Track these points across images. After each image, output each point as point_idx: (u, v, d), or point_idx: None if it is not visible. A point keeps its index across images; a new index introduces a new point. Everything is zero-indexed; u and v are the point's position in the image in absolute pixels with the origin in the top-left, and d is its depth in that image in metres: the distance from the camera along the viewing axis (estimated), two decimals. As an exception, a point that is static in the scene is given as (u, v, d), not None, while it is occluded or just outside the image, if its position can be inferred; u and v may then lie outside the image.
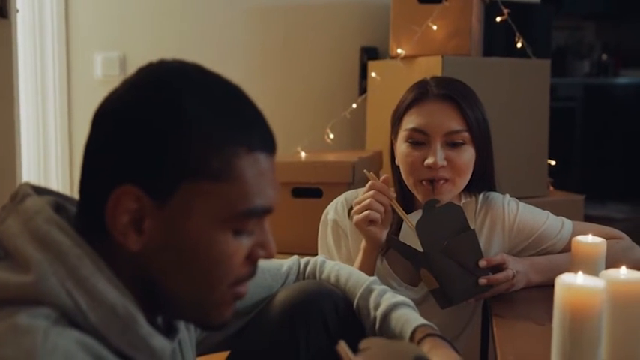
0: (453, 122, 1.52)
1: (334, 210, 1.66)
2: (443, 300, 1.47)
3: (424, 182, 1.53)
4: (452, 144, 1.53)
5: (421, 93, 1.56)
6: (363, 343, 0.96)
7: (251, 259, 0.90)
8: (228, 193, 0.84)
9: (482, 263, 1.45)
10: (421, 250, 1.46)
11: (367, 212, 1.48)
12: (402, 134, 1.56)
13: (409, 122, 1.55)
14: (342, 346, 0.92)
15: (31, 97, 2.94)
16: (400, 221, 1.56)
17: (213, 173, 0.84)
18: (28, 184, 0.92)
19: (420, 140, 1.53)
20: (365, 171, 1.57)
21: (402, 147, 1.56)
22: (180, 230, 0.84)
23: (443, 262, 1.44)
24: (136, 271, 0.86)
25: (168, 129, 0.83)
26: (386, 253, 1.57)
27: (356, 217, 1.50)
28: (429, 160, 1.51)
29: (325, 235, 1.66)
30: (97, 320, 0.82)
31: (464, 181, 1.56)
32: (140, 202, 0.83)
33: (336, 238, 1.64)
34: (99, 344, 0.81)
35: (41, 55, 2.96)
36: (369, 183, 1.52)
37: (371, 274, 1.34)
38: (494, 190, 1.65)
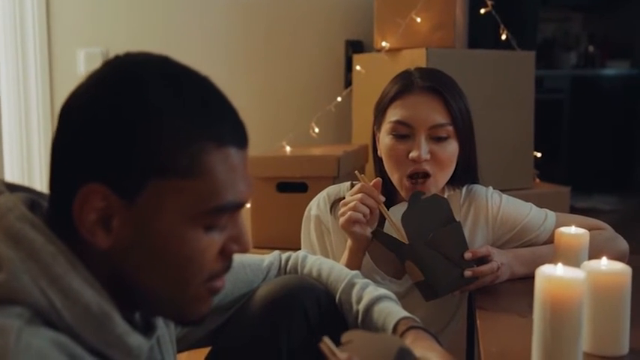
0: (438, 115, 1.51)
1: (317, 205, 1.65)
2: (428, 292, 1.46)
3: (409, 178, 1.52)
4: (436, 138, 1.52)
5: (406, 85, 1.54)
6: (345, 336, 0.95)
7: (225, 254, 0.89)
8: (197, 189, 0.83)
9: (468, 255, 1.44)
10: (406, 242, 1.45)
11: (350, 213, 1.48)
12: (386, 126, 1.55)
13: (393, 114, 1.54)
14: (326, 343, 0.90)
15: (13, 94, 2.92)
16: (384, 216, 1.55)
17: (182, 169, 0.82)
18: (0, 181, 0.90)
19: (404, 133, 1.52)
20: (356, 172, 1.56)
21: (385, 139, 1.55)
22: (149, 228, 0.83)
23: (428, 254, 1.43)
24: (108, 268, 0.85)
25: (133, 125, 0.81)
26: (369, 246, 1.56)
27: (341, 219, 1.49)
28: (413, 154, 1.50)
29: (308, 232, 1.65)
30: (71, 319, 0.81)
31: (446, 174, 1.55)
32: (107, 201, 0.81)
33: (319, 235, 1.63)
34: (74, 343, 0.80)
35: (22, 51, 2.94)
36: (358, 184, 1.51)
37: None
38: (478, 183, 1.64)
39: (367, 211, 1.48)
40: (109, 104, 0.82)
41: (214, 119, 0.85)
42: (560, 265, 0.97)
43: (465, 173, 1.61)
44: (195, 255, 0.85)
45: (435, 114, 1.51)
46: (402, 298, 1.40)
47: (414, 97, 1.53)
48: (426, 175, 1.52)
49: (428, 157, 1.50)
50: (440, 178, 1.54)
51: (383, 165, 1.58)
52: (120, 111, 0.81)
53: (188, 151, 0.82)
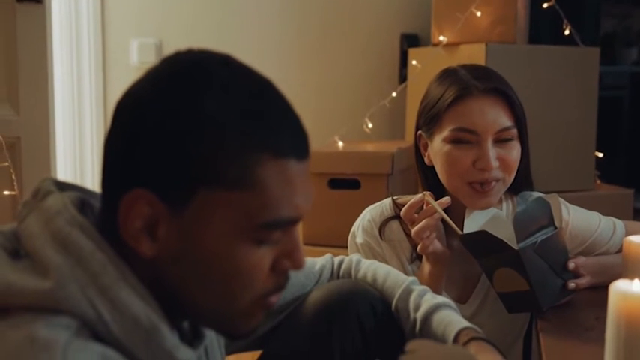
0: (504, 118, 1.41)
1: (362, 231, 1.53)
2: (519, 304, 1.33)
3: (474, 184, 1.41)
4: (501, 140, 1.41)
5: (463, 88, 1.41)
6: (410, 345, 0.91)
7: (278, 271, 0.83)
8: (248, 203, 0.78)
9: (571, 266, 1.33)
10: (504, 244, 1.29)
11: (422, 239, 1.38)
12: (445, 135, 1.42)
13: (453, 121, 1.41)
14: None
15: (66, 84, 2.94)
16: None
17: (232, 181, 0.77)
18: (50, 180, 0.87)
19: (467, 140, 1.40)
20: (426, 193, 1.43)
21: (444, 148, 1.42)
22: (196, 240, 0.78)
23: (537, 262, 1.29)
24: (154, 276, 0.81)
25: (185, 133, 0.76)
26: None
27: (419, 247, 1.39)
28: (483, 163, 1.39)
29: None
30: (120, 332, 0.77)
31: (512, 178, 1.45)
32: (153, 208, 0.77)
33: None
34: (122, 358, 0.76)
35: (77, 41, 2.95)
36: (408, 205, 1.40)
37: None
38: (533, 190, 1.53)
39: (433, 222, 1.37)
40: (162, 109, 0.78)
41: (272, 129, 0.79)
42: (636, 280, 0.91)
43: (523, 179, 1.50)
44: (244, 270, 0.80)
45: (500, 117, 1.41)
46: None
47: (476, 102, 1.40)
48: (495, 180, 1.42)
49: (497, 164, 1.40)
50: (508, 182, 1.44)
51: (429, 173, 1.49)
52: (173, 117, 0.77)
53: (241, 162, 0.77)
